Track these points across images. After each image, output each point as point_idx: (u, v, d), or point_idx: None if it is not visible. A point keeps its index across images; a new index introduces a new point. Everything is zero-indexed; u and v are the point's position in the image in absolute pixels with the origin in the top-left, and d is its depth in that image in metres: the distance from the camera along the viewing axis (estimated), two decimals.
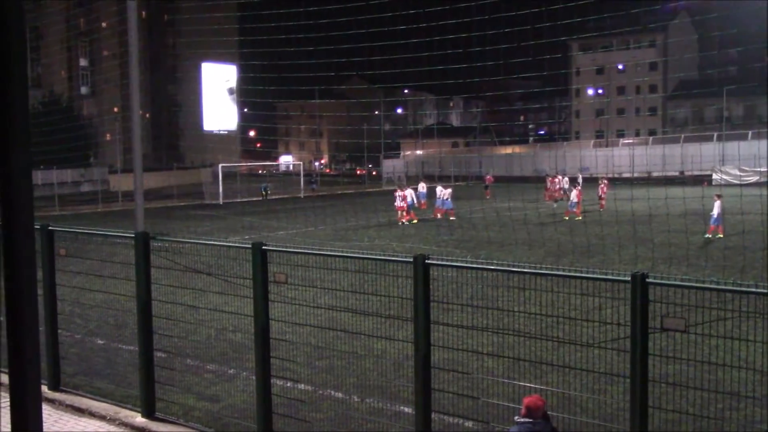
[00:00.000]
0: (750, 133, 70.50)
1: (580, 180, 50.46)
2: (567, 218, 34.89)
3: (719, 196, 26.58)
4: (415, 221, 34.69)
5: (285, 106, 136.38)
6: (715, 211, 26.02)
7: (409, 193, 36.08)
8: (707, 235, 25.94)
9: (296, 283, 8.48)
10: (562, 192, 48.53)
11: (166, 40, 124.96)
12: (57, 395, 9.93)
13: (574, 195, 36.33)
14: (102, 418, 9.17)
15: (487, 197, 51.00)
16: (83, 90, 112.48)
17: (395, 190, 37.03)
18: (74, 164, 74.30)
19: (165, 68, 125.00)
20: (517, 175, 75.96)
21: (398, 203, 34.89)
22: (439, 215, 37.10)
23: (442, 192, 38.08)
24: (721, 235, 25.77)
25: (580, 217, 34.85)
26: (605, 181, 42.79)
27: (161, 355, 9.53)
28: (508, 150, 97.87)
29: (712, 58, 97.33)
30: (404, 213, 34.79)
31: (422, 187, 44.55)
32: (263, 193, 61.75)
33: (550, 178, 49.73)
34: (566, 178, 52.47)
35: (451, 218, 35.75)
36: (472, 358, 8.26)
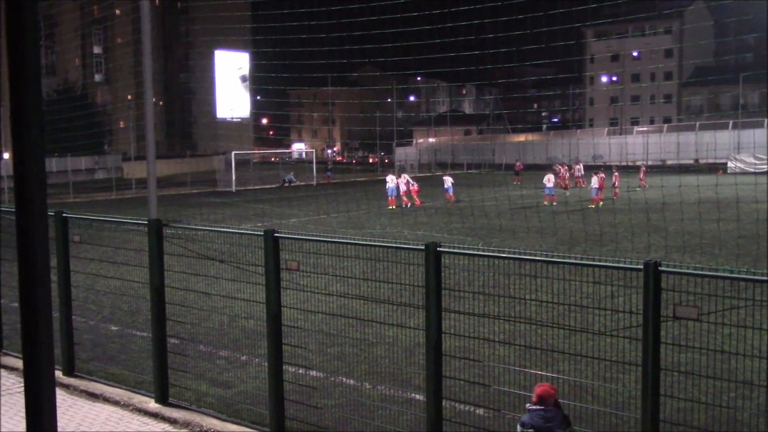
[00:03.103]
0: (766, 120, 69.77)
1: (581, 168, 50.63)
2: (593, 206, 34.79)
3: None
4: (392, 207, 37.18)
5: (297, 93, 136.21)
6: None
7: (402, 180, 39.05)
8: None
9: (308, 271, 8.50)
10: (569, 180, 48.72)
11: (179, 27, 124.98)
12: (71, 380, 10.02)
13: (594, 181, 36.28)
14: (116, 403, 9.25)
15: (515, 183, 53.40)
16: (97, 77, 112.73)
17: (395, 177, 40.13)
18: (88, 152, 74.67)
19: (178, 56, 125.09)
20: (530, 162, 75.63)
21: (403, 189, 37.89)
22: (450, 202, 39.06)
23: (447, 179, 41.42)
24: None
25: (593, 206, 34.74)
26: (616, 174, 42.57)
27: (174, 341, 9.59)
28: (522, 138, 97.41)
29: (728, 45, 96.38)
30: (404, 198, 37.70)
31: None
32: (286, 183, 60.75)
33: (558, 166, 50.24)
34: (580, 165, 52.65)
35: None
36: (484, 346, 8.26)
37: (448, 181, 41.33)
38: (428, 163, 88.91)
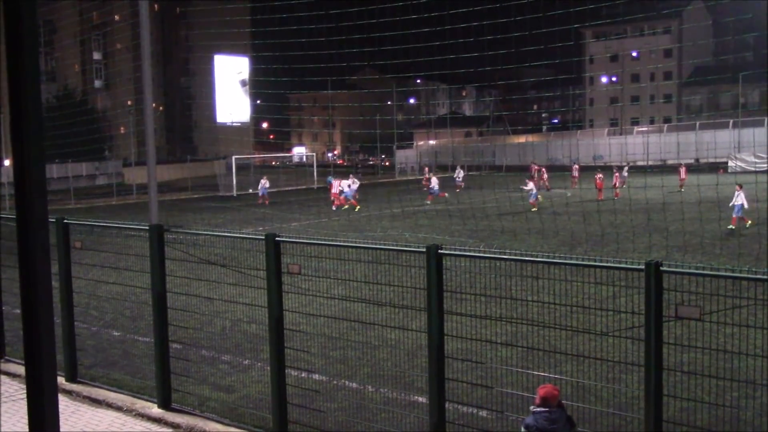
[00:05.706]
0: (766, 119, 69.75)
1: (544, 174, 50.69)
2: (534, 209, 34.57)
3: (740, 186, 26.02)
4: (345, 207, 37.90)
5: (297, 97, 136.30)
6: (740, 202, 25.39)
7: (338, 182, 39.85)
8: (731, 226, 25.26)
9: (310, 274, 8.50)
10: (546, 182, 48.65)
11: (178, 32, 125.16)
12: (74, 386, 10.02)
13: (531, 185, 36.67)
14: (118, 408, 9.25)
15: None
16: (97, 83, 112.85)
17: (335, 181, 40.99)
18: (89, 157, 74.71)
19: (178, 61, 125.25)
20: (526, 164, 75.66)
21: (334, 190, 39.25)
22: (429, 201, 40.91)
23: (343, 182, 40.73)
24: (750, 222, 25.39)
25: (535, 208, 34.59)
26: (616, 174, 42.32)
27: (176, 346, 9.59)
28: (522, 139, 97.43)
29: (727, 44, 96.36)
30: (337, 200, 38.92)
31: (434, 182, 44.55)
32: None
33: (533, 167, 50.98)
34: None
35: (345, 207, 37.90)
36: (486, 348, 8.26)
37: (344, 184, 38.67)
38: (428, 164, 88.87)
